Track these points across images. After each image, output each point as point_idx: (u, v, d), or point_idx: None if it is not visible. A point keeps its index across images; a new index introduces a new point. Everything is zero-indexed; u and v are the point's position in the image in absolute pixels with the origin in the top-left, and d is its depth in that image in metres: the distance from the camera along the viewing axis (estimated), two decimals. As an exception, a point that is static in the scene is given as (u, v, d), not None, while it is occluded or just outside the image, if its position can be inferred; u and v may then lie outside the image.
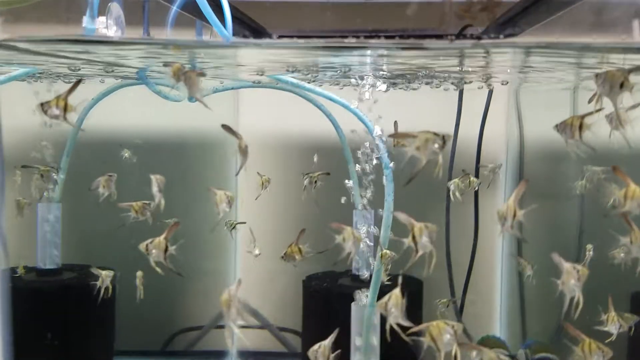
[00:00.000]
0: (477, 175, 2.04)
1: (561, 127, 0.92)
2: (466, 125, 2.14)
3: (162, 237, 1.01)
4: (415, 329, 0.88)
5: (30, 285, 1.74)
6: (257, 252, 1.48)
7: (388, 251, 1.27)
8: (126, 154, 1.83)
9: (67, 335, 1.72)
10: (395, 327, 0.92)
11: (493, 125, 2.17)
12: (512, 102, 2.19)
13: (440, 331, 0.84)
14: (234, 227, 1.53)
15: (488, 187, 1.74)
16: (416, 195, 2.30)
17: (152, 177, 1.25)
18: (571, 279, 0.89)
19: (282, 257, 1.16)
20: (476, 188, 1.66)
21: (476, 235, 2.01)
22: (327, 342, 1.11)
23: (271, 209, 2.35)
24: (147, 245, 1.03)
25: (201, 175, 2.26)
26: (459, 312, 1.96)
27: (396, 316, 0.93)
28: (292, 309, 2.14)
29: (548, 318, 1.91)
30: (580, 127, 0.90)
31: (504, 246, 2.15)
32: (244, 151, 1.02)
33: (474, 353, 0.87)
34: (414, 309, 1.82)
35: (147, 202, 1.10)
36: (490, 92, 2.04)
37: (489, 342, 1.84)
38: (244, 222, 1.62)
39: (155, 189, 1.20)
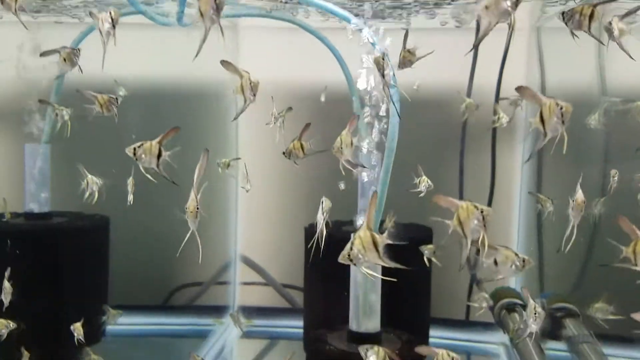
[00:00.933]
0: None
1: (568, 16, 0.79)
2: (483, 70, 2.03)
3: (155, 141, 0.90)
4: (444, 203, 0.77)
5: (17, 228, 1.65)
6: (248, 187, 1.38)
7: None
8: (120, 92, 1.72)
9: (57, 282, 1.64)
10: (367, 273, 0.83)
11: (512, 68, 2.05)
12: (533, 42, 2.06)
13: (469, 214, 0.75)
14: (228, 166, 1.47)
15: (510, 121, 1.64)
16: (429, 140, 2.23)
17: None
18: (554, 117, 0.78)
19: (284, 153, 1.05)
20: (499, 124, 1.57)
21: (493, 178, 1.92)
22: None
23: (274, 160, 2.25)
24: (134, 149, 0.91)
25: (200, 126, 2.17)
26: (474, 264, 1.87)
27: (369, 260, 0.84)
28: (295, 264, 2.05)
29: (567, 269, 1.82)
30: (591, 16, 0.78)
31: (521, 187, 2.05)
32: (252, 87, 0.93)
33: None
34: (422, 258, 1.73)
35: (113, 95, 0.98)
36: (511, 30, 1.91)
37: (503, 292, 1.75)
38: (239, 158, 1.53)
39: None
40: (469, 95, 2.02)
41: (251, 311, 2.31)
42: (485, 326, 2.16)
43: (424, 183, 1.51)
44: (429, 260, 1.52)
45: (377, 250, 0.84)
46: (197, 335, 2.04)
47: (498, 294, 1.76)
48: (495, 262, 0.81)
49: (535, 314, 0.90)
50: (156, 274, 2.18)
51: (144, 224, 2.10)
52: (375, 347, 0.92)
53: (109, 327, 1.84)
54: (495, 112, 1.58)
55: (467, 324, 2.16)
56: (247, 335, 2.21)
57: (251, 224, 2.29)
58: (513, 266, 0.81)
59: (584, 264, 1.84)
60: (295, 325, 2.02)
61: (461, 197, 2.00)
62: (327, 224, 1.05)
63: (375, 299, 1.18)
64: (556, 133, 0.74)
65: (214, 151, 2.35)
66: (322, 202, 0.99)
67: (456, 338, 2.08)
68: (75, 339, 1.28)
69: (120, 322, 1.96)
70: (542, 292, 1.81)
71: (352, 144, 0.93)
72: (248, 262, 2.31)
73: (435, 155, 2.12)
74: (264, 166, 2.18)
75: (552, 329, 1.59)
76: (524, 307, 1.72)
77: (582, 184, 2.05)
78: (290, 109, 1.33)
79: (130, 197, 1.26)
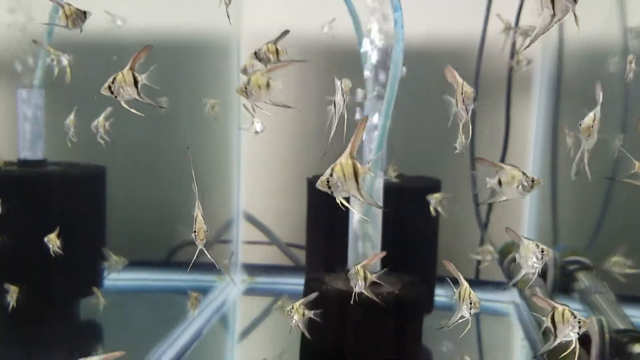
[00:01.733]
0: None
1: None
2: (496, 18, 1.94)
3: (125, 69, 0.83)
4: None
5: (9, 174, 1.61)
6: (258, 128, 1.31)
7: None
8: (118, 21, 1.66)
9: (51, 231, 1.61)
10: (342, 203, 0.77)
11: (528, 18, 1.96)
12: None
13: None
14: (214, 107, 1.42)
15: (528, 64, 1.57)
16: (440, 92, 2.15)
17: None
18: None
19: (255, 53, 0.96)
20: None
21: (507, 132, 1.84)
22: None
23: (276, 111, 2.19)
24: (109, 86, 0.85)
25: (203, 79, 2.11)
26: (486, 215, 1.81)
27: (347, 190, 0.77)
28: (297, 219, 2.01)
29: (582, 223, 1.75)
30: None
31: (536, 139, 1.97)
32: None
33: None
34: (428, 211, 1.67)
35: (82, 10, 0.91)
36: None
37: (512, 246, 1.68)
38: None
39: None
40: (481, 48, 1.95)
41: (254, 269, 2.29)
42: (495, 285, 2.11)
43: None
44: (436, 210, 1.46)
45: (356, 180, 0.77)
46: (199, 291, 2.01)
47: (507, 248, 1.70)
48: (500, 183, 0.75)
49: (533, 255, 0.79)
50: (158, 231, 2.16)
51: (145, 179, 2.07)
52: (359, 268, 0.86)
53: (111, 283, 1.82)
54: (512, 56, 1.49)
55: (477, 282, 2.10)
56: (249, 292, 2.20)
57: (254, 180, 2.24)
58: (520, 187, 0.74)
59: (600, 217, 1.76)
60: (298, 282, 1.99)
61: (473, 151, 1.93)
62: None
63: (374, 234, 1.13)
64: (566, 13, 0.67)
65: (215, 94, 2.29)
66: (341, 82, 0.90)
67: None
68: (51, 251, 1.25)
69: (122, 277, 1.96)
70: (556, 246, 1.74)
71: (268, 85, 0.83)
72: (251, 219, 2.27)
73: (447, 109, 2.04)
74: (267, 120, 2.13)
75: (564, 283, 1.52)
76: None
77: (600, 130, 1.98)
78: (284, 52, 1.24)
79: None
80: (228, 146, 2.22)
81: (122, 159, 2.02)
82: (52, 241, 1.23)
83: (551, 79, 2.04)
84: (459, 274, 0.80)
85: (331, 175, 0.75)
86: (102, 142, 1.29)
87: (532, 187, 0.73)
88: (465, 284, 0.82)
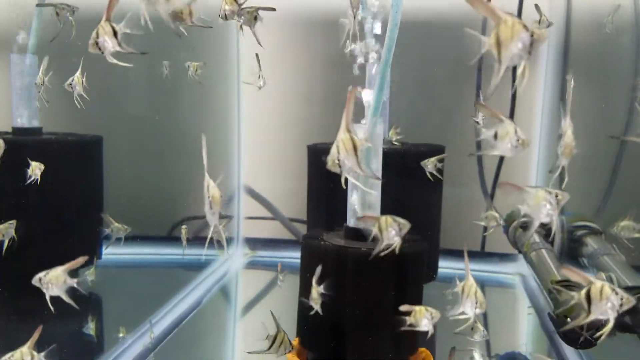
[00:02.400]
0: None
1: None
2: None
3: (102, 21, 0.79)
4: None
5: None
6: (261, 83, 1.27)
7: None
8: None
9: (45, 198, 1.58)
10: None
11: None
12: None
13: (513, 34, 0.62)
14: (197, 70, 1.39)
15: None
16: (447, 58, 2.11)
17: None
18: None
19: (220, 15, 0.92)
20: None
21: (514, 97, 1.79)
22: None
23: (277, 82, 2.16)
24: (95, 42, 0.80)
25: (201, 36, 2.08)
26: (493, 183, 1.77)
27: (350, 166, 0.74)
28: (299, 190, 1.98)
29: (590, 190, 1.71)
30: None
31: (543, 107, 1.92)
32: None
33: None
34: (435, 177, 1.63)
35: None
36: None
37: (518, 213, 1.64)
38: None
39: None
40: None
41: (256, 242, 2.27)
42: (500, 257, 2.08)
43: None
44: (432, 174, 1.42)
45: (356, 154, 0.75)
46: (200, 265, 1.99)
47: (513, 215, 1.66)
48: (495, 136, 0.71)
49: (546, 202, 0.74)
50: (160, 206, 2.14)
51: (145, 152, 2.05)
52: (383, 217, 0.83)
53: (112, 257, 1.80)
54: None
55: (482, 255, 2.07)
56: (251, 265, 2.17)
57: (255, 153, 2.21)
58: (509, 144, 0.70)
59: (609, 185, 1.72)
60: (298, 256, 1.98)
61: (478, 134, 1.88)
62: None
63: (375, 199, 1.09)
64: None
65: (215, 63, 2.25)
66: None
67: (471, 269, 1.99)
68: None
69: (123, 252, 1.94)
70: (562, 213, 1.70)
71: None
72: (252, 193, 2.23)
73: (453, 75, 2.00)
74: (268, 90, 2.10)
75: (571, 249, 1.49)
76: (544, 225, 1.63)
77: (608, 100, 1.94)
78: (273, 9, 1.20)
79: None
80: (228, 118, 2.19)
81: (121, 130, 2.00)
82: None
83: (558, 48, 2.00)
84: (469, 266, 0.75)
85: (338, 152, 0.74)
86: (79, 101, 1.24)
87: (518, 146, 0.69)
88: (471, 280, 0.78)
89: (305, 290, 1.12)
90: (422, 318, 0.85)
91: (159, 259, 2.08)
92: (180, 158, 2.17)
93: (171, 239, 2.18)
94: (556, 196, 0.74)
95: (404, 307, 0.81)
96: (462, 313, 0.81)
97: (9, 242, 1.20)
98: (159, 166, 2.12)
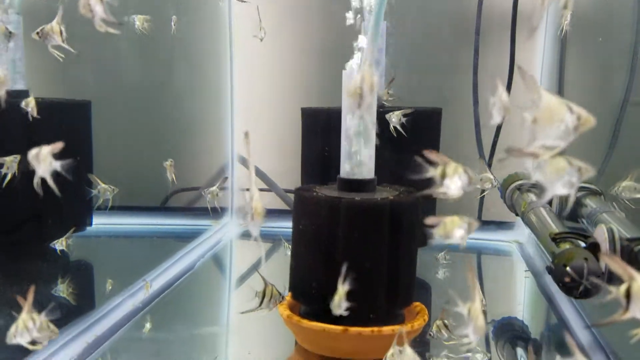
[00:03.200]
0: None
1: None
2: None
3: None
4: None
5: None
6: (262, 34, 1.25)
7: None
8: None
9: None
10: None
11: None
12: None
13: None
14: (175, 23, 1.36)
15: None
16: (445, 25, 2.08)
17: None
18: None
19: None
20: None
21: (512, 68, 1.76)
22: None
23: (274, 42, 2.13)
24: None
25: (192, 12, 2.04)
26: (492, 148, 1.74)
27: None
28: (293, 154, 1.95)
29: (590, 154, 1.69)
30: None
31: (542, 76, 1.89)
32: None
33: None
34: (432, 137, 1.61)
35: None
36: None
37: (515, 176, 1.62)
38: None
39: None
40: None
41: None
42: (497, 225, 2.06)
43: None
44: (395, 128, 1.38)
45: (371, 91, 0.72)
46: (193, 235, 1.97)
47: (510, 178, 1.64)
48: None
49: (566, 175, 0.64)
50: (153, 176, 2.10)
51: (135, 121, 2.01)
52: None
53: (104, 227, 1.78)
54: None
55: (479, 224, 2.05)
56: (245, 235, 2.15)
57: (248, 121, 2.18)
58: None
59: (609, 147, 1.70)
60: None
61: (476, 84, 1.86)
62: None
63: (369, 152, 1.06)
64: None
65: (206, 23, 2.21)
66: None
67: (469, 237, 1.98)
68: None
69: (116, 222, 1.92)
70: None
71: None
72: (246, 163, 2.20)
73: (451, 40, 1.97)
74: (258, 51, 2.06)
75: (571, 211, 1.46)
76: (537, 186, 1.62)
77: (608, 64, 1.91)
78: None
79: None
80: (220, 84, 2.16)
81: (111, 96, 1.96)
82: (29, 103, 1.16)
83: (558, 14, 1.96)
84: (478, 287, 0.68)
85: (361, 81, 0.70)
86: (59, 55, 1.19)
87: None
88: (477, 303, 0.69)
89: (298, 243, 1.09)
90: (455, 229, 0.72)
91: (153, 230, 2.06)
92: (171, 126, 2.14)
93: (165, 209, 2.16)
94: (579, 169, 0.61)
95: (430, 220, 0.73)
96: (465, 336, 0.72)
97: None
98: (150, 136, 2.09)
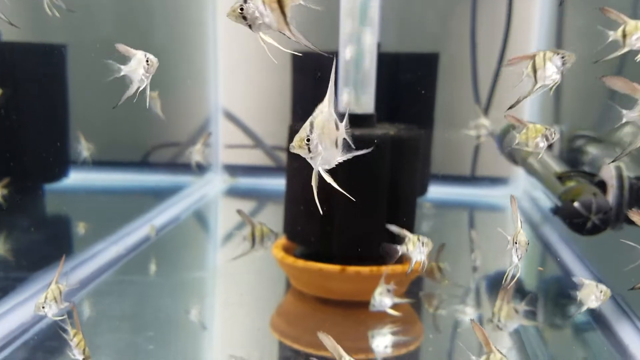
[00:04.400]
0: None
1: None
2: None
3: None
4: None
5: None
6: None
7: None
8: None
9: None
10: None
11: None
12: None
13: None
14: None
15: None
16: None
17: None
18: None
19: None
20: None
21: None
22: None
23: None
24: None
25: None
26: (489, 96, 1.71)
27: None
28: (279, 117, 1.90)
29: (589, 104, 1.66)
30: None
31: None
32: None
33: None
34: (429, 84, 1.56)
35: None
36: None
37: (513, 126, 1.59)
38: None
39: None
40: None
41: (236, 169, 2.20)
42: (491, 180, 2.04)
43: None
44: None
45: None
46: (175, 191, 1.92)
47: (507, 127, 1.61)
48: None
49: (552, 64, 0.67)
50: (132, 131, 2.04)
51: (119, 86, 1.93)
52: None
53: (82, 182, 1.72)
54: None
55: (472, 179, 2.04)
56: (230, 192, 2.11)
57: (233, 72, 2.11)
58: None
59: (611, 95, 1.67)
60: (280, 183, 1.92)
61: (474, 27, 1.80)
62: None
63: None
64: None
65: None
66: None
67: (460, 194, 1.97)
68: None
69: (95, 179, 1.86)
70: (559, 124, 1.65)
71: None
72: (231, 117, 2.15)
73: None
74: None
75: (572, 159, 1.44)
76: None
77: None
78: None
79: None
80: (203, 33, 2.08)
81: (89, 39, 1.88)
82: None
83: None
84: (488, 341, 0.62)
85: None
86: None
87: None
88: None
89: (291, 183, 1.06)
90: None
91: (133, 186, 2.01)
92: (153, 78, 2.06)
93: (146, 165, 2.10)
94: (562, 57, 0.69)
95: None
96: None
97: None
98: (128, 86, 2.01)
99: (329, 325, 0.96)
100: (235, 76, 2.11)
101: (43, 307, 0.68)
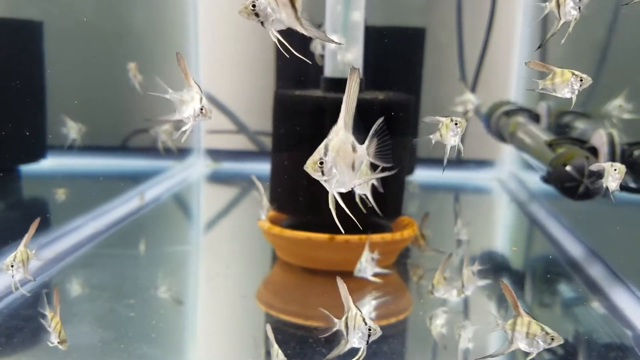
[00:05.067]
0: None
1: None
2: None
3: None
4: None
5: None
6: None
7: None
8: None
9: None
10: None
11: None
12: None
13: None
14: None
15: None
16: None
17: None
18: None
19: None
20: None
21: None
22: None
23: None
24: None
25: None
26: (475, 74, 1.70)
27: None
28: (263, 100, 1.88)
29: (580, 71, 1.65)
30: None
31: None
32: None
33: None
34: (415, 60, 1.55)
35: None
36: None
37: (500, 103, 1.59)
38: None
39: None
40: None
41: (219, 154, 2.16)
42: (478, 163, 2.04)
43: None
44: None
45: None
46: (155, 175, 1.88)
47: (495, 105, 1.60)
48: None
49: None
50: (112, 114, 2.00)
51: (93, 55, 1.89)
52: None
53: (65, 167, 1.68)
54: None
55: (458, 162, 2.03)
56: (212, 177, 2.07)
57: (214, 51, 2.07)
58: None
59: (598, 69, 1.66)
60: (264, 168, 1.90)
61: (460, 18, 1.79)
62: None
63: (357, 50, 1.00)
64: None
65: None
66: None
67: (447, 177, 1.96)
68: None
69: (74, 163, 1.81)
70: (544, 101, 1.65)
71: None
72: (212, 100, 2.11)
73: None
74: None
75: (560, 133, 1.44)
76: (528, 111, 1.59)
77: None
78: None
79: None
80: (183, 12, 2.04)
81: (67, 17, 1.84)
82: None
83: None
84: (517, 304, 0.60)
85: None
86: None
87: None
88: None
89: (278, 150, 1.03)
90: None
91: (112, 170, 1.97)
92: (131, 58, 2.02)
93: (127, 149, 2.06)
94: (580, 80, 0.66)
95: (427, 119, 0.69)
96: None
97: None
98: (108, 68, 1.97)
99: (316, 295, 0.94)
100: (217, 57, 2.07)
101: (12, 266, 0.65)
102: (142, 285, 0.96)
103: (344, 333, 0.58)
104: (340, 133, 0.57)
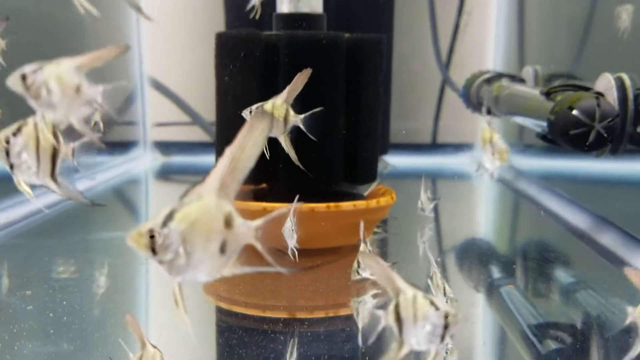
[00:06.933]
0: None
1: None
2: None
3: None
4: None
5: None
6: None
7: None
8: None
9: None
10: None
11: None
12: None
13: None
14: None
15: None
16: None
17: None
18: None
19: None
20: None
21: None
22: None
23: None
24: None
25: None
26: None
27: None
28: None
29: (562, 43, 1.55)
30: None
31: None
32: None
33: None
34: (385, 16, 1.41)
35: None
36: None
37: (479, 73, 1.46)
38: None
39: None
40: None
41: (169, 146, 1.98)
42: (455, 147, 1.91)
43: None
44: None
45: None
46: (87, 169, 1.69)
47: (473, 76, 1.47)
48: None
49: None
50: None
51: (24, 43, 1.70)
52: None
53: None
54: None
55: (434, 147, 1.90)
56: (162, 173, 1.89)
57: (159, 34, 1.89)
58: None
59: (583, 35, 1.55)
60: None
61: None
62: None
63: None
64: None
65: None
66: None
67: (422, 163, 1.83)
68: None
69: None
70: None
71: None
72: (159, 87, 1.92)
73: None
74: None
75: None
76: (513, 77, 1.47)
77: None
78: None
79: None
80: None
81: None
82: None
83: None
84: None
85: None
86: None
87: None
88: None
89: (224, 103, 0.87)
90: None
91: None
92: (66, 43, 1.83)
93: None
94: None
95: None
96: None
97: None
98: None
99: (275, 286, 0.78)
100: (163, 43, 1.90)
101: None
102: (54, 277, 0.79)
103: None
104: (207, 198, 0.38)
